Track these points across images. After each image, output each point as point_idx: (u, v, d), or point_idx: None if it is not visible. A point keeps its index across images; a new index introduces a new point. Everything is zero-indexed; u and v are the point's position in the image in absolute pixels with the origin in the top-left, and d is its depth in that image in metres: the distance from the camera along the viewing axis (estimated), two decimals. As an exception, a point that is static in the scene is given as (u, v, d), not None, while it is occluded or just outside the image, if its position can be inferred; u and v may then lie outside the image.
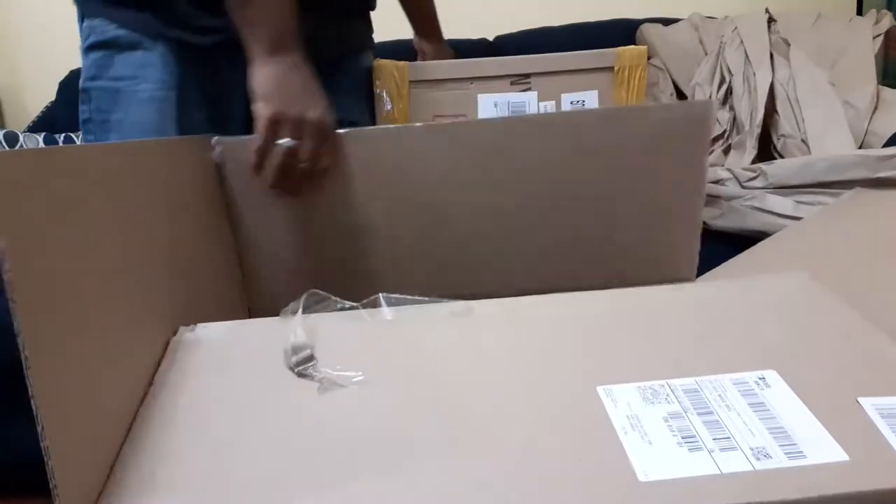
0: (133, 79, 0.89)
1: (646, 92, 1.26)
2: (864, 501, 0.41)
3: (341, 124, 0.81)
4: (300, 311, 0.61)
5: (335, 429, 0.48)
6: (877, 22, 1.67)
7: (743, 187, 1.32)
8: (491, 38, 2.06)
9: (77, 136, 1.86)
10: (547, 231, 0.84)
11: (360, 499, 0.42)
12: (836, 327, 0.56)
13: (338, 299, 0.63)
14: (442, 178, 0.82)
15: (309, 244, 0.85)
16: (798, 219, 1.21)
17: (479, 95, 1.19)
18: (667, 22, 1.90)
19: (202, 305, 0.71)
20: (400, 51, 1.29)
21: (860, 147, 1.37)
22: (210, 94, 0.92)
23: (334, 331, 0.59)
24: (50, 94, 2.02)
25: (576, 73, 1.19)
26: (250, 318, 0.82)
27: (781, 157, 1.43)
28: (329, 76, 0.85)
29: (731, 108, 1.54)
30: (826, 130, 1.41)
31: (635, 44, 1.76)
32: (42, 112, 2.03)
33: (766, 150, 1.48)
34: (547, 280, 0.83)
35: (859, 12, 2.14)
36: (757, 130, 1.45)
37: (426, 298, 0.62)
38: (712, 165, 1.44)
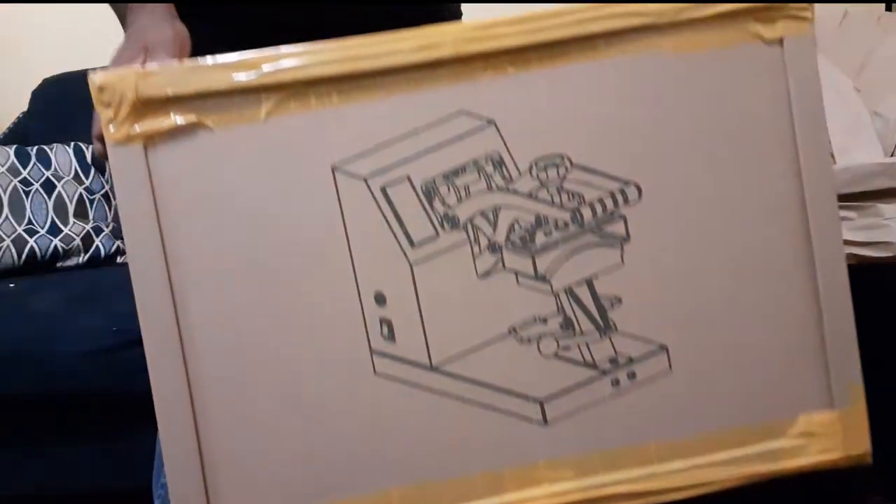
0: None
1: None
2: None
3: None
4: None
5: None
6: (910, 19, 1.53)
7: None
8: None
9: (51, 150, 1.73)
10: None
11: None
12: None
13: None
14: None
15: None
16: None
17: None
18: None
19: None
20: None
21: (890, 164, 1.23)
22: None
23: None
24: (22, 105, 1.91)
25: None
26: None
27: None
28: None
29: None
30: (852, 141, 1.27)
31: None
32: (13, 123, 1.92)
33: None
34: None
35: (889, 7, 1.96)
36: (775, 142, 1.31)
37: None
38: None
